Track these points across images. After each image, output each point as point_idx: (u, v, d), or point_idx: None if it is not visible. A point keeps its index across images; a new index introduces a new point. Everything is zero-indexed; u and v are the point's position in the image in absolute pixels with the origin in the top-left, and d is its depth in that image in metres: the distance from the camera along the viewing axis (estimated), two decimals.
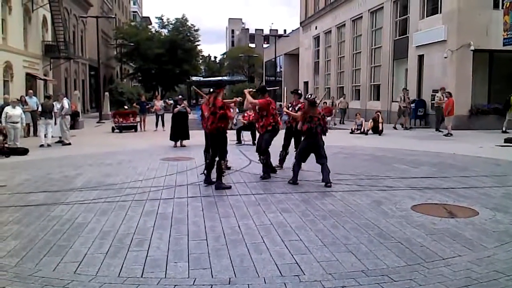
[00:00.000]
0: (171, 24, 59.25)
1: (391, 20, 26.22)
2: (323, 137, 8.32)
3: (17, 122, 14.13)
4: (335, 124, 24.27)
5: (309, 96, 8.58)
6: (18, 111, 14.40)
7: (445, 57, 20.56)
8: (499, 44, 17.76)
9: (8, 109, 14.19)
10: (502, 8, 17.64)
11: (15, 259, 4.63)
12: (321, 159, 8.16)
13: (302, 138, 8.50)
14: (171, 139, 14.74)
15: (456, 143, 15.12)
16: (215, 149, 8.12)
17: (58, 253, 4.78)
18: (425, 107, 22.19)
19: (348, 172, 9.50)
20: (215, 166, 8.08)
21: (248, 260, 4.51)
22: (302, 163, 8.44)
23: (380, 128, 18.95)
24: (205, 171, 8.42)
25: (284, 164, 10.03)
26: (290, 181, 8.33)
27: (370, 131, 19.20)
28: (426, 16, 22.78)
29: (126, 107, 29.01)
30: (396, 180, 8.67)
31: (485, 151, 12.93)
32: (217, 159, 8.08)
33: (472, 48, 19.91)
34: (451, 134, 17.62)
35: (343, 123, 25.87)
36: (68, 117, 16.31)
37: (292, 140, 9.96)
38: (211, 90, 8.41)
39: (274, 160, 9.74)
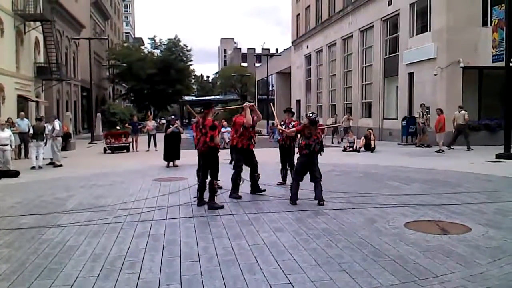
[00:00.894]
0: (164, 44, 59.63)
1: (381, 38, 26.56)
2: (318, 156, 8.34)
3: (6, 145, 14.01)
4: (339, 143, 24.17)
5: (311, 114, 8.61)
6: (6, 133, 14.28)
7: (435, 74, 20.78)
8: (488, 61, 17.98)
9: None
10: (491, 25, 17.91)
11: (5, 283, 4.56)
12: (315, 177, 8.16)
13: (297, 156, 8.49)
14: (164, 159, 14.71)
15: (447, 160, 15.20)
16: (206, 169, 8.10)
17: (49, 276, 4.72)
18: (416, 124, 22.30)
19: (341, 190, 9.50)
20: (207, 187, 8.06)
21: (242, 281, 4.47)
22: (300, 182, 8.40)
23: (372, 145, 19.03)
24: (198, 194, 8.36)
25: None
26: (290, 201, 8.27)
27: (363, 149, 19.27)
28: (416, 34, 23.10)
29: (118, 127, 28.98)
30: (389, 197, 8.68)
31: (476, 167, 12.99)
32: (208, 179, 8.07)
33: (462, 65, 20.18)
34: (443, 151, 17.71)
35: (339, 142, 25.17)
36: (60, 138, 16.24)
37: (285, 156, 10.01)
38: (201, 110, 8.45)
39: (266, 178, 9.74)
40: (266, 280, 4.47)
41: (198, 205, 8.13)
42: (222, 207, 7.93)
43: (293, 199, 8.21)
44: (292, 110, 10.53)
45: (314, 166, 8.20)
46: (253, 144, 9.04)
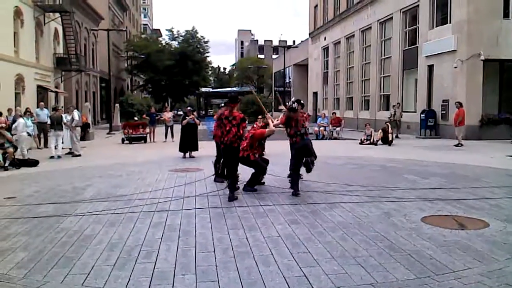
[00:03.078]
0: (181, 36, 59.68)
1: (400, 30, 26.24)
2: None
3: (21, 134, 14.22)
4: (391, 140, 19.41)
5: (291, 103, 8.86)
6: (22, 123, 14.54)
7: (455, 67, 20.48)
8: (509, 54, 17.71)
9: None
10: None
11: (23, 270, 4.64)
12: (310, 156, 8.31)
13: (291, 148, 8.64)
14: (180, 150, 14.78)
15: (466, 154, 15.00)
16: (230, 162, 8.16)
17: (66, 265, 4.78)
18: (435, 117, 22.06)
19: (358, 183, 9.44)
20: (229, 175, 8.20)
21: (256, 273, 4.47)
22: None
23: (390, 138, 18.85)
24: (229, 185, 8.33)
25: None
26: (293, 193, 8.28)
27: (380, 142, 19.10)
28: (436, 26, 22.76)
29: (136, 118, 29.19)
30: (406, 191, 8.60)
31: (496, 162, 12.80)
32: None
33: (482, 58, 19.83)
34: (462, 144, 17.48)
35: (397, 137, 21.44)
36: (78, 128, 16.42)
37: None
38: (222, 104, 8.54)
39: (282, 171, 9.72)
40: (280, 272, 4.46)
41: (232, 199, 7.98)
42: (237, 198, 7.95)
43: (295, 190, 8.27)
44: (302, 101, 10.16)
45: (312, 148, 8.34)
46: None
